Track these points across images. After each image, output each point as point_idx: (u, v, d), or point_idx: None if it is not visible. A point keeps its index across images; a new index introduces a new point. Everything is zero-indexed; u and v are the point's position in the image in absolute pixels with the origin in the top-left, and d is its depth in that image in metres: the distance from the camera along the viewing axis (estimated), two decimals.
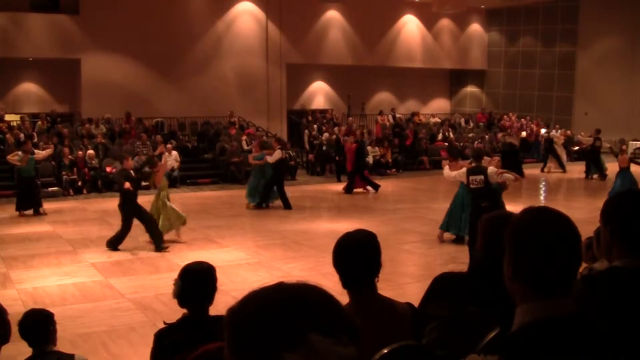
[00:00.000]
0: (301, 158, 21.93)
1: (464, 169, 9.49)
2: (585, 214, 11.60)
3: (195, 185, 18.47)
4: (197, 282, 3.13)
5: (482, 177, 8.91)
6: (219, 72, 23.57)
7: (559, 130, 23.46)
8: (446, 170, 10.05)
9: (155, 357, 3.08)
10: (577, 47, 27.33)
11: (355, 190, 16.66)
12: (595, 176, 19.53)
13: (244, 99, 23.83)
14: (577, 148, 24.92)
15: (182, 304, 3.16)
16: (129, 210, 10.24)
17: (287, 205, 14.31)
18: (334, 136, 20.49)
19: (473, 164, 9.57)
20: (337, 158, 19.66)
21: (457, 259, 9.37)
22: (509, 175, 9.38)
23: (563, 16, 27.60)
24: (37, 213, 13.88)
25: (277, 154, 14.40)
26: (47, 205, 15.17)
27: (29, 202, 13.86)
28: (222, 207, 14.68)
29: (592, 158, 19.84)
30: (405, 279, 8.51)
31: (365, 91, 27.68)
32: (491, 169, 9.09)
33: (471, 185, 9.04)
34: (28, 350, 3.61)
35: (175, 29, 22.40)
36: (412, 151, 22.96)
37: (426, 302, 2.74)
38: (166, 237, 10.56)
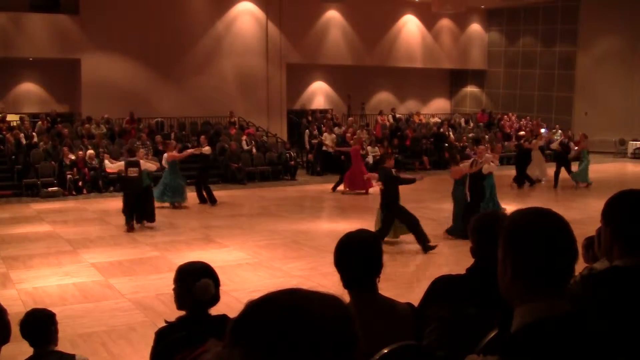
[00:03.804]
0: (301, 158, 21.93)
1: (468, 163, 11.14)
2: (583, 214, 11.62)
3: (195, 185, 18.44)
4: (215, 281, 3.11)
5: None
6: (219, 72, 23.57)
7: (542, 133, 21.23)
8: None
9: (156, 356, 3.07)
10: (577, 47, 27.34)
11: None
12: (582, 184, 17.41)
13: (244, 99, 23.84)
14: (577, 148, 24.90)
15: (179, 307, 3.14)
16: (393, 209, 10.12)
17: (212, 201, 15.00)
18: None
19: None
20: (342, 157, 19.72)
21: (458, 259, 9.36)
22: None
23: (563, 16, 27.60)
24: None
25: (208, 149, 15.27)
26: (47, 205, 15.21)
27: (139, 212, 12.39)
28: (222, 207, 14.68)
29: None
30: (405, 279, 8.51)
31: (365, 91, 27.70)
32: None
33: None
34: (29, 350, 3.61)
35: (175, 29, 22.40)
36: (411, 151, 22.96)
37: (425, 304, 2.75)
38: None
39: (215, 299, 3.10)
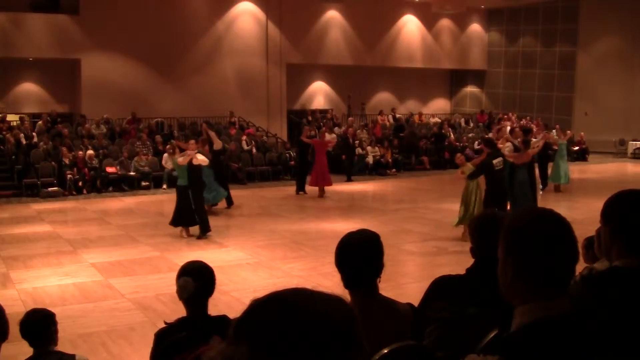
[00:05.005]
0: None
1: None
2: (583, 214, 11.60)
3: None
4: (196, 281, 3.12)
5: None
6: (219, 72, 23.57)
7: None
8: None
9: (155, 357, 3.08)
10: (577, 47, 27.33)
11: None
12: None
13: (244, 99, 23.83)
14: (577, 148, 24.92)
15: (186, 304, 3.16)
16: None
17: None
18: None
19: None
20: (343, 157, 19.79)
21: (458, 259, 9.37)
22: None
23: (563, 16, 27.59)
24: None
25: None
26: (47, 205, 15.20)
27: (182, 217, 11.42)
28: (222, 207, 14.66)
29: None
30: (405, 279, 8.51)
31: (365, 91, 27.69)
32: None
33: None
34: (29, 350, 3.61)
35: (175, 29, 22.40)
36: (410, 151, 22.96)
37: (425, 304, 2.75)
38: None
39: (196, 297, 3.09)
